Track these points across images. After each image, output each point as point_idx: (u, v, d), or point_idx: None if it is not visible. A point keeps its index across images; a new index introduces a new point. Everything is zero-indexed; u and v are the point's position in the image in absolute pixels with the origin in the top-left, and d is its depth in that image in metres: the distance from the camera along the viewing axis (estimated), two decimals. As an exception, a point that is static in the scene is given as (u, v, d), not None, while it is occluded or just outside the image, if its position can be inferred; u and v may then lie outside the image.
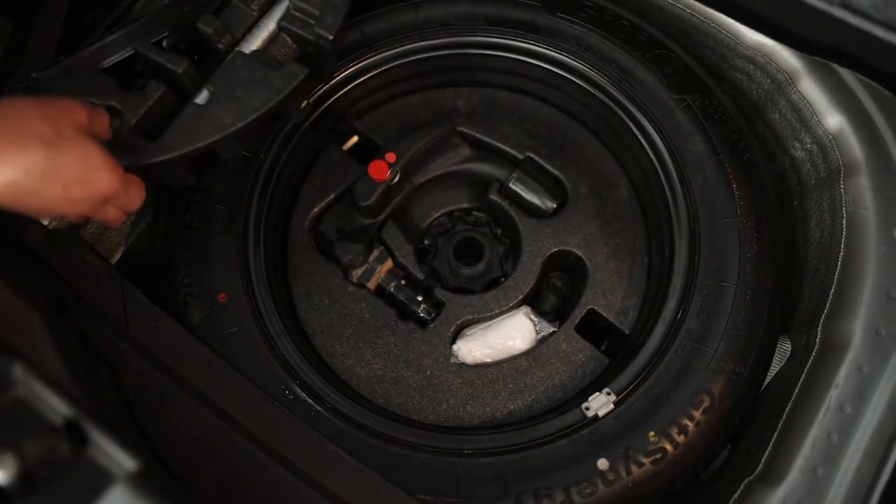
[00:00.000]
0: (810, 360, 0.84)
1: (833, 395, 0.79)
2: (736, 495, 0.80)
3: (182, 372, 0.77)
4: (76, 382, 0.60)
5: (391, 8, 1.01)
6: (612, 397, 0.83)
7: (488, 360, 0.93)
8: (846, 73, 0.91)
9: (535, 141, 1.03)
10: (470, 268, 1.01)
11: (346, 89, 1.00)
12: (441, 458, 0.80)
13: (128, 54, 0.83)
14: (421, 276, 0.98)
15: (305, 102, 0.95)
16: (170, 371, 0.77)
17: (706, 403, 0.81)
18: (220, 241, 0.88)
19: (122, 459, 0.52)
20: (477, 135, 1.04)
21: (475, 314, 0.96)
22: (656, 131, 0.94)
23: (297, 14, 0.84)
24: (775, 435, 0.81)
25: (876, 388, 0.78)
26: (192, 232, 0.89)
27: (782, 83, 0.96)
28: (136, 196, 0.70)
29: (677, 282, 0.88)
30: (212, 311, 0.84)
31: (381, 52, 0.99)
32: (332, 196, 1.00)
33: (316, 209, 0.99)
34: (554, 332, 0.95)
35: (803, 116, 0.95)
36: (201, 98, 0.80)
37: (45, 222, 0.78)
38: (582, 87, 0.99)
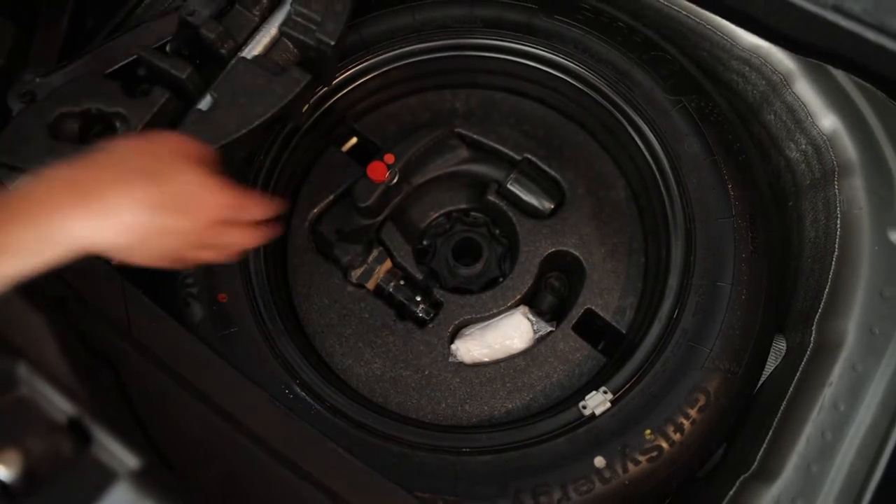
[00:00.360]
0: (805, 359, 0.85)
1: (827, 394, 0.80)
2: (731, 493, 0.81)
3: (183, 372, 0.77)
4: (79, 382, 0.61)
5: (390, 10, 1.02)
6: (609, 396, 0.84)
7: (486, 359, 0.94)
8: (840, 75, 0.92)
9: (533, 142, 1.04)
10: (468, 268, 1.02)
11: (345, 91, 1.01)
12: (440, 457, 0.81)
13: (131, 59, 0.84)
14: (419, 276, 0.99)
15: (306, 106, 0.96)
16: (171, 371, 0.77)
17: (702, 402, 0.82)
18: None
19: (124, 457, 0.52)
20: (475, 136, 1.04)
21: (473, 314, 0.97)
22: (653, 133, 0.95)
23: (299, 19, 0.85)
24: (770, 433, 0.82)
25: (869, 386, 0.79)
26: (193, 233, 0.90)
27: (777, 85, 0.97)
28: (256, 207, 0.65)
29: (673, 281, 0.89)
30: (212, 311, 0.85)
31: (380, 55, 1.00)
32: (331, 197, 1.01)
33: (315, 210, 1.00)
34: (551, 331, 0.95)
35: (798, 117, 0.96)
36: (204, 104, 0.81)
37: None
38: (579, 88, 1.00)
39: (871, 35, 0.68)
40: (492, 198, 1.02)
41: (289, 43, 0.88)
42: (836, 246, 0.88)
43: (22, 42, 0.87)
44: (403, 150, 0.99)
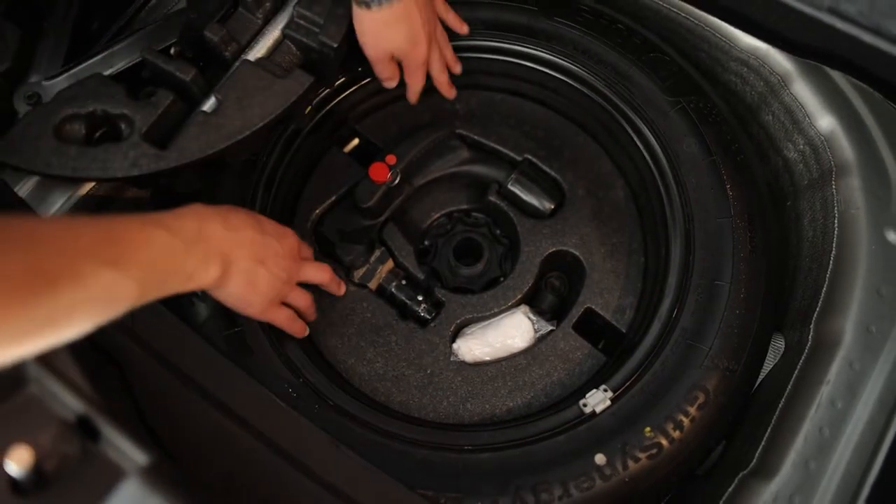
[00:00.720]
0: (803, 357, 0.86)
1: (825, 391, 0.81)
2: (730, 489, 0.82)
3: (188, 370, 0.78)
4: (87, 380, 0.61)
5: (391, 13, 1.03)
6: (609, 394, 0.84)
7: (488, 358, 0.95)
8: (837, 76, 0.93)
9: (533, 143, 1.05)
10: (469, 268, 1.03)
11: (347, 93, 1.02)
12: (441, 454, 0.82)
13: (135, 61, 0.85)
14: (421, 276, 1.00)
15: (309, 108, 0.97)
16: (176, 370, 0.78)
17: (701, 399, 0.83)
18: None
19: (133, 454, 0.53)
20: (476, 137, 1.05)
21: (475, 313, 0.97)
22: (652, 133, 0.96)
23: (301, 22, 0.86)
24: (769, 430, 0.83)
25: (866, 384, 0.80)
26: (197, 234, 0.91)
27: (775, 86, 0.98)
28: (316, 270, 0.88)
29: (672, 281, 0.90)
30: (217, 311, 0.86)
31: (382, 57, 1.00)
32: (333, 198, 1.02)
33: (317, 211, 1.01)
34: (552, 330, 0.96)
35: (796, 118, 0.97)
36: (209, 106, 0.82)
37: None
38: (579, 90, 1.01)
39: (866, 37, 0.69)
40: (492, 198, 1.03)
41: (291, 45, 0.89)
42: (834, 245, 0.89)
43: (28, 45, 0.88)
44: (405, 151, 1.00)
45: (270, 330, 0.86)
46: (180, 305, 0.86)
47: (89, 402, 0.56)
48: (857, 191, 0.89)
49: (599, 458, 0.80)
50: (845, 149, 0.91)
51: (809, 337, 0.87)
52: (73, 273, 0.50)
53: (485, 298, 0.98)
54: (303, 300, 0.86)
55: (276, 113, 0.82)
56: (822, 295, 0.87)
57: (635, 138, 0.97)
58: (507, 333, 0.95)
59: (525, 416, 0.90)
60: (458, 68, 0.98)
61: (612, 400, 0.84)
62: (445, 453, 0.82)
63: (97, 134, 0.83)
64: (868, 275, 0.85)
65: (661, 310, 0.89)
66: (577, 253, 0.99)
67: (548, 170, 1.03)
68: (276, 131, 0.97)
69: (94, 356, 0.73)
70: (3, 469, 0.49)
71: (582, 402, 0.84)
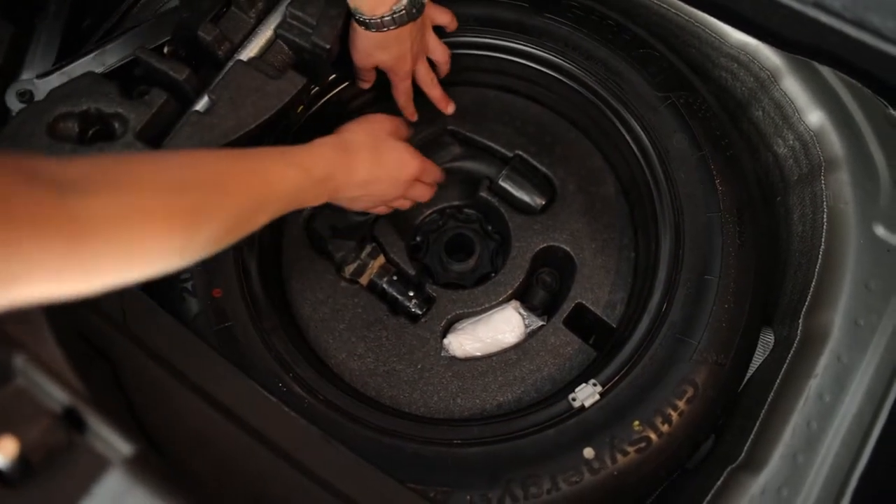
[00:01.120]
0: (791, 351, 0.86)
1: (813, 385, 0.81)
2: (719, 483, 0.82)
3: (178, 365, 0.79)
4: (75, 373, 0.62)
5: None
6: (598, 388, 0.85)
7: (478, 353, 0.95)
8: (827, 71, 0.93)
9: (525, 139, 1.05)
10: (460, 263, 1.04)
11: (339, 89, 1.03)
12: (432, 449, 0.82)
13: (128, 60, 0.85)
14: (412, 271, 1.00)
15: (301, 107, 0.97)
16: (166, 364, 0.79)
17: (690, 393, 0.83)
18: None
19: (118, 445, 0.54)
20: (467, 133, 1.06)
21: (466, 309, 0.98)
22: (642, 129, 0.96)
23: (294, 23, 0.86)
24: (757, 424, 0.83)
25: (854, 377, 0.80)
26: (189, 230, 0.91)
27: (765, 81, 0.99)
28: (435, 169, 0.96)
29: (662, 275, 0.90)
30: (207, 306, 0.86)
31: (373, 54, 1.00)
32: (325, 195, 1.02)
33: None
34: (543, 325, 0.97)
35: (786, 113, 0.97)
36: (202, 105, 0.83)
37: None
38: (569, 86, 1.01)
39: (851, 31, 0.70)
40: (484, 194, 1.03)
41: (284, 45, 0.89)
42: (823, 240, 0.89)
43: (20, 42, 0.88)
44: (396, 148, 1.00)
45: (261, 325, 0.87)
46: (171, 301, 0.87)
47: (76, 394, 0.56)
48: (846, 185, 0.89)
49: (588, 452, 0.81)
50: (834, 144, 0.92)
51: (798, 331, 0.87)
52: (221, 193, 0.61)
53: (476, 294, 0.98)
54: (410, 201, 0.96)
55: (269, 113, 0.83)
56: (812, 289, 0.88)
57: (625, 134, 0.97)
58: (497, 329, 0.96)
59: (515, 410, 0.91)
60: (445, 68, 1.02)
61: (601, 394, 0.84)
62: (436, 447, 0.82)
63: (90, 132, 0.83)
64: (857, 269, 0.85)
65: (651, 304, 0.89)
66: (567, 248, 1.00)
67: (539, 166, 1.04)
68: (269, 132, 0.97)
69: (83, 350, 0.74)
70: (-10, 460, 0.50)
71: (571, 396, 0.85)
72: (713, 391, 0.84)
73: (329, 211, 1.01)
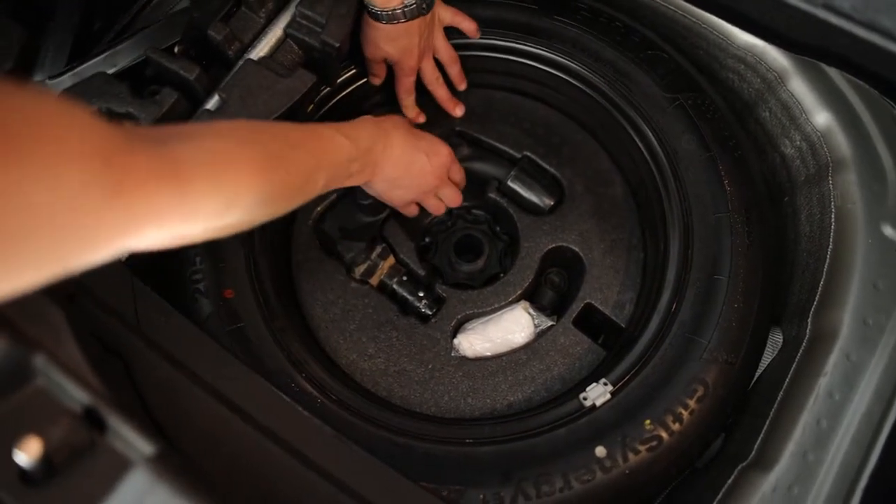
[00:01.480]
0: (801, 350, 0.87)
1: (822, 383, 0.81)
2: (730, 481, 0.83)
3: (191, 365, 0.79)
4: (94, 373, 0.62)
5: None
6: (609, 387, 0.85)
7: (488, 353, 0.96)
8: (834, 73, 0.94)
9: (533, 140, 1.06)
10: (470, 264, 1.04)
11: (347, 90, 1.03)
12: (444, 448, 0.82)
13: (138, 60, 0.85)
14: (422, 272, 1.01)
15: (311, 106, 0.98)
16: (179, 364, 0.79)
17: (700, 392, 0.84)
18: (227, 240, 0.90)
19: (139, 444, 0.54)
20: (475, 134, 1.06)
21: (475, 309, 0.98)
22: (650, 130, 0.96)
23: (304, 22, 0.86)
24: (767, 422, 0.84)
25: (864, 376, 0.81)
26: (200, 231, 0.92)
27: (772, 82, 0.99)
28: (461, 167, 0.99)
29: (671, 275, 0.91)
30: (220, 307, 0.87)
31: (382, 55, 1.01)
32: (334, 195, 1.02)
33: (319, 208, 1.02)
34: (552, 325, 0.97)
35: (793, 114, 0.98)
36: (212, 104, 0.83)
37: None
38: (578, 87, 1.02)
39: (861, 32, 0.70)
40: (492, 195, 1.03)
41: (293, 44, 0.90)
42: (831, 240, 0.90)
43: (32, 44, 0.88)
44: (405, 149, 1.00)
45: (272, 326, 0.87)
46: (184, 301, 0.87)
47: (96, 394, 0.57)
48: (853, 186, 0.90)
49: (600, 451, 0.81)
50: (841, 144, 0.92)
51: (807, 330, 0.87)
52: (291, 146, 0.65)
53: (485, 294, 0.99)
54: (439, 205, 0.97)
55: (279, 112, 0.83)
56: (820, 289, 0.88)
57: (634, 135, 0.98)
58: (507, 329, 0.96)
59: (526, 409, 0.91)
60: (462, 85, 1.05)
61: (612, 393, 0.85)
62: (448, 447, 0.83)
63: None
64: (864, 268, 0.86)
65: (660, 304, 0.90)
66: (576, 249, 1.00)
67: (547, 167, 1.04)
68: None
69: (99, 350, 0.74)
70: (13, 460, 0.50)
71: (582, 395, 0.85)
72: (723, 390, 0.85)
73: (339, 210, 1.02)
